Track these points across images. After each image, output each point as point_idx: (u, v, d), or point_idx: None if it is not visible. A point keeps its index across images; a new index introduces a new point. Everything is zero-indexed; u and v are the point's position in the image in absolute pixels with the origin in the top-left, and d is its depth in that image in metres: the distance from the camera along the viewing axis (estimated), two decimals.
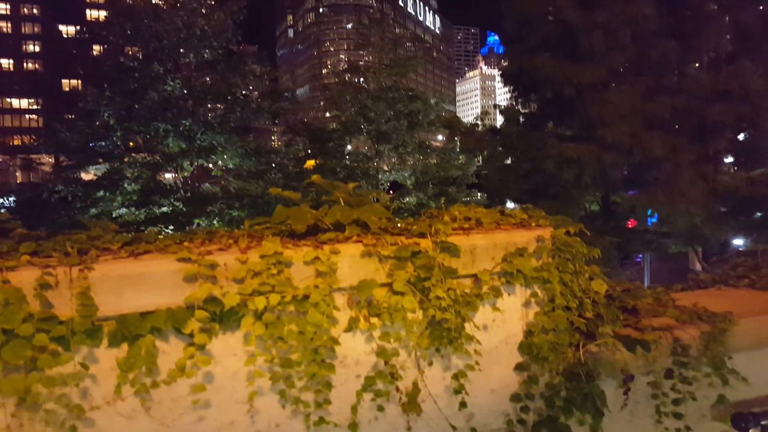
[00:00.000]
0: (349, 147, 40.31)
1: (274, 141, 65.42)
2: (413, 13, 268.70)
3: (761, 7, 25.63)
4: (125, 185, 30.79)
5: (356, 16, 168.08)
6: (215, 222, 30.70)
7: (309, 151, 39.02)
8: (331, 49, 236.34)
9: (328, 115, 48.31)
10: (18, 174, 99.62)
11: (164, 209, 31.30)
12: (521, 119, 28.54)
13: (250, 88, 37.95)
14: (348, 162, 38.18)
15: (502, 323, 3.30)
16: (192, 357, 2.60)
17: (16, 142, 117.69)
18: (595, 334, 3.39)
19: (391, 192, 39.14)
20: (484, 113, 38.99)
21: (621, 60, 23.48)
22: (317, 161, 37.44)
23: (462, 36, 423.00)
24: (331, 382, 2.86)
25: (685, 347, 3.56)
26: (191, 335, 2.61)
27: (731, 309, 3.85)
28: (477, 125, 32.95)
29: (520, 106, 28.23)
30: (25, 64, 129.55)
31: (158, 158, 32.30)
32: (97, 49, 39.60)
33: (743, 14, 24.78)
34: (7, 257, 2.53)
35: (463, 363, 3.12)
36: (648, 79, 23.76)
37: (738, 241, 29.47)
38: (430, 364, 3.11)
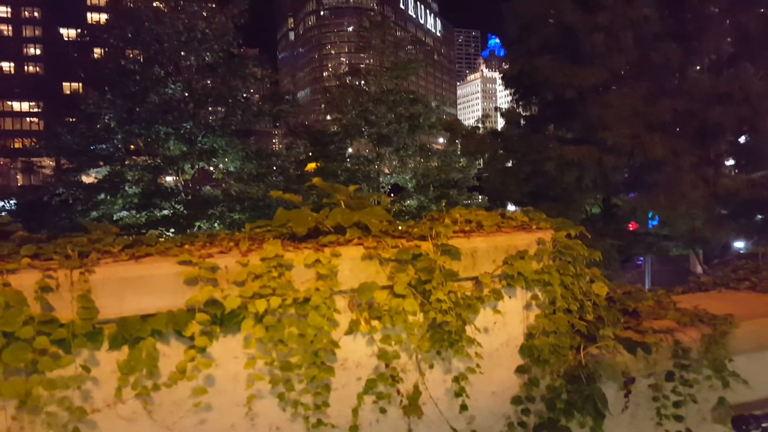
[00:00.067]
0: (350, 150, 40.35)
1: (275, 144, 65.42)
2: (414, 15, 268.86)
3: (762, 10, 25.61)
4: (126, 188, 30.81)
5: (357, 19, 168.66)
6: (216, 225, 30.74)
7: (310, 154, 39.02)
8: (332, 52, 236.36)
9: (329, 118, 48.28)
10: (19, 177, 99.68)
11: (165, 212, 31.32)
12: (522, 122, 28.57)
13: (251, 91, 38.03)
14: (349, 165, 38.22)
15: (503, 326, 3.30)
16: (193, 360, 2.60)
17: (17, 145, 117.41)
18: (596, 337, 3.39)
19: (392, 195, 39.18)
20: (485, 116, 39.07)
21: (622, 62, 23.51)
22: (318, 164, 37.43)
23: (463, 39, 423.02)
24: (330, 384, 2.86)
25: (686, 350, 3.56)
26: (192, 338, 2.61)
27: (732, 311, 3.85)
28: (478, 128, 33.02)
29: (521, 109, 28.28)
30: (25, 67, 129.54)
31: (159, 161, 32.33)
32: (98, 52, 39.68)
33: (744, 16, 24.77)
34: (8, 260, 2.53)
35: (464, 365, 3.12)
36: (649, 82, 23.78)
37: (739, 244, 29.45)
38: (431, 366, 3.11)
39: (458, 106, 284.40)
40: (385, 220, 3.23)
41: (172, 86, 32.01)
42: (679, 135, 24.20)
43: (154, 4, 32.71)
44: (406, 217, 31.14)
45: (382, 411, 2.97)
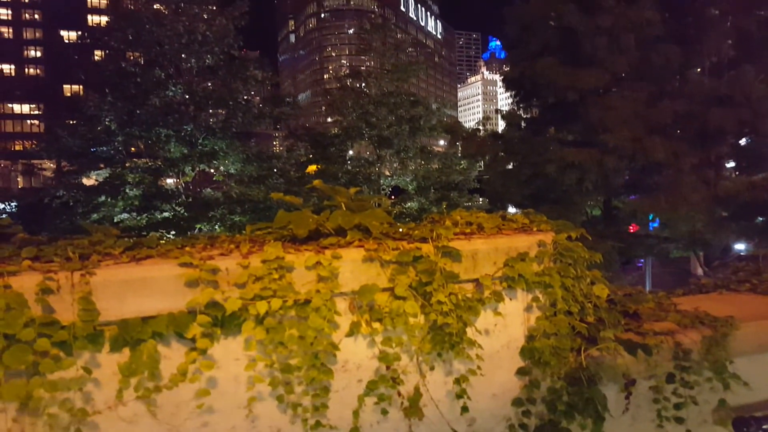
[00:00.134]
0: (350, 152, 40.29)
1: (275, 146, 65.46)
2: (415, 18, 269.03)
3: (762, 12, 25.61)
4: (127, 190, 30.76)
5: (358, 21, 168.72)
6: (217, 227, 30.69)
7: (311, 156, 38.95)
8: (333, 54, 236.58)
9: (329, 120, 48.23)
10: (20, 179, 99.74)
11: (166, 214, 31.28)
12: (523, 124, 28.59)
13: (252, 93, 38.03)
14: (350, 167, 38.17)
15: (504, 328, 3.30)
16: (194, 362, 2.60)
17: (17, 148, 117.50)
18: (596, 339, 3.39)
19: (393, 197, 39.12)
20: (486, 118, 39.03)
21: (623, 64, 23.50)
22: (319, 166, 37.37)
23: (464, 41, 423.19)
24: (330, 386, 2.87)
25: (686, 351, 3.56)
26: (193, 340, 2.61)
27: (733, 313, 3.85)
28: (479, 130, 33.06)
29: (521, 111, 28.31)
30: (26, 70, 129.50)
31: (160, 163, 32.29)
32: (98, 54, 39.62)
33: (745, 19, 24.78)
34: (9, 262, 2.54)
35: (464, 367, 3.13)
36: (650, 84, 23.78)
37: (739, 246, 29.48)
38: (432, 368, 3.11)
39: (459, 109, 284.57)
40: (386, 222, 3.23)
41: (173, 88, 31.99)
42: (679, 137, 24.20)
43: (155, 7, 32.68)
44: (407, 220, 31.13)
45: (383, 413, 2.97)
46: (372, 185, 37.17)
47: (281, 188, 31.78)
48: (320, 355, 2.80)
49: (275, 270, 2.75)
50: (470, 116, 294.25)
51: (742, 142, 27.81)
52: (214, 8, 33.75)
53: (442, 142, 48.04)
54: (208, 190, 34.68)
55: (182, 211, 31.33)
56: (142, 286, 2.57)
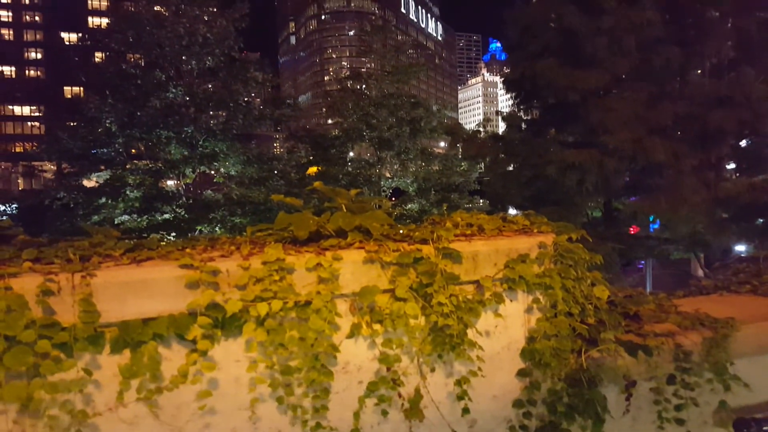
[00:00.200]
0: (351, 154, 40.30)
1: (276, 148, 65.41)
2: (415, 20, 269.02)
3: (762, 14, 25.58)
4: (127, 192, 30.76)
5: (358, 23, 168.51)
6: (217, 229, 30.70)
7: (311, 158, 38.93)
8: (333, 56, 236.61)
9: (330, 122, 48.20)
10: (20, 181, 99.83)
11: (166, 216, 31.28)
12: (523, 126, 28.53)
13: (252, 95, 38.06)
14: (350, 169, 38.16)
15: (505, 329, 3.30)
16: (195, 363, 2.60)
17: (18, 150, 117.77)
18: (597, 340, 3.39)
19: (394, 199, 39.12)
20: (486, 120, 38.96)
21: (624, 66, 23.46)
22: (319, 168, 37.35)
23: (464, 43, 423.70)
24: (330, 388, 2.87)
25: (687, 353, 3.56)
26: (194, 341, 2.61)
27: (733, 315, 3.85)
28: (479, 132, 32.93)
29: (522, 113, 28.25)
30: (27, 72, 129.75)
31: (160, 165, 32.28)
32: (99, 56, 39.65)
33: (745, 20, 24.76)
34: (9, 264, 2.54)
35: (465, 369, 3.13)
36: (650, 85, 23.75)
37: (740, 248, 29.45)
38: (433, 370, 3.11)
39: (459, 110, 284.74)
40: (387, 223, 3.24)
41: (174, 90, 32.01)
42: (680, 138, 24.16)
43: (155, 9, 32.69)
44: (408, 221, 31.06)
45: (384, 414, 2.97)
46: (372, 187, 37.17)
47: (282, 190, 31.80)
48: (321, 356, 2.80)
49: (276, 272, 2.75)
50: (471, 118, 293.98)
51: (743, 143, 27.78)
52: (215, 10, 33.77)
53: (442, 144, 48.07)
54: (209, 191, 34.69)
55: (183, 213, 31.33)
56: (142, 288, 2.57)
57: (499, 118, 32.50)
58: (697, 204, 22.85)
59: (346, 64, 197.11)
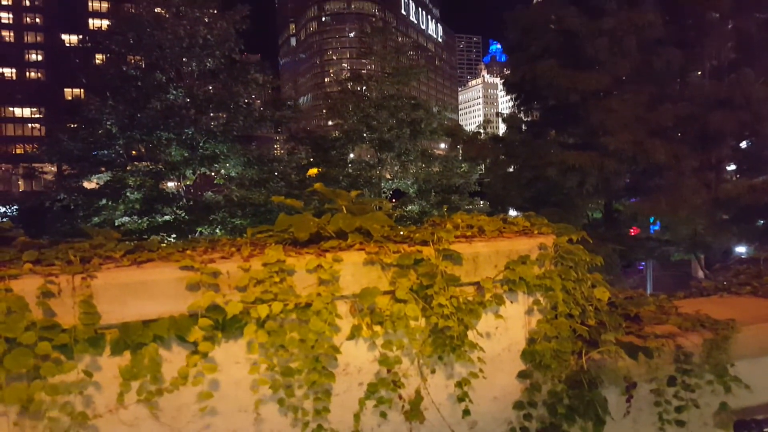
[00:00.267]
0: (351, 155, 40.28)
1: (276, 149, 65.43)
2: (416, 21, 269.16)
3: (762, 15, 25.58)
4: (128, 194, 30.76)
5: (359, 24, 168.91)
6: (218, 230, 30.69)
7: (311, 160, 38.93)
8: (334, 57, 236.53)
9: (330, 123, 48.26)
10: (20, 183, 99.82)
11: (167, 218, 31.28)
12: (524, 127, 28.57)
13: (253, 96, 38.04)
14: (350, 170, 38.11)
15: (505, 331, 3.30)
16: (195, 365, 2.60)
17: (18, 151, 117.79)
18: (597, 342, 3.39)
19: (394, 200, 39.10)
20: (487, 121, 38.94)
21: (625, 67, 23.47)
22: (320, 169, 37.37)
23: (464, 44, 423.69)
24: (331, 390, 2.87)
25: (687, 354, 3.55)
26: (194, 343, 2.61)
27: (734, 316, 3.85)
28: (479, 133, 32.93)
29: (522, 114, 28.28)
30: (27, 73, 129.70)
31: (161, 167, 32.28)
32: (99, 58, 39.72)
33: (745, 22, 24.77)
34: (10, 265, 2.54)
35: (466, 371, 3.12)
36: (650, 87, 23.76)
37: (740, 249, 29.45)
38: (433, 371, 3.11)
39: (460, 112, 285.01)
40: (387, 225, 3.23)
41: (174, 92, 32.03)
42: (680, 140, 24.17)
43: (156, 10, 32.70)
44: (408, 223, 31.04)
45: (384, 416, 2.97)
46: (373, 188, 37.15)
47: (282, 191, 31.84)
48: (321, 358, 2.80)
49: (276, 273, 2.75)
50: (471, 119, 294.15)
51: (743, 144, 27.78)
52: (215, 12, 33.79)
53: (442, 146, 48.09)
54: (209, 193, 34.72)
55: (183, 215, 31.33)
56: (143, 290, 2.57)
57: (500, 119, 32.55)
58: (698, 205, 22.87)
59: (346, 65, 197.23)
